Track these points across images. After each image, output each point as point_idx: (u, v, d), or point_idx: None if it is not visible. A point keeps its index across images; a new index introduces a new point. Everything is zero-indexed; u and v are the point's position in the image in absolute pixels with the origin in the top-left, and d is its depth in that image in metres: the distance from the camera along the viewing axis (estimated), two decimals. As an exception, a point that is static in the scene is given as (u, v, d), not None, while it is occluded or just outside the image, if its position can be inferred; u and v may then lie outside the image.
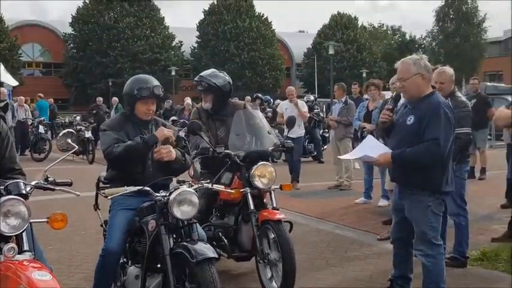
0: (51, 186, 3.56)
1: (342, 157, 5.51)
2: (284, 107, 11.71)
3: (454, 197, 5.69)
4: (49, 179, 3.58)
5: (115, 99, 24.08)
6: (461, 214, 5.77)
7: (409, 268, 4.72)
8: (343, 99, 11.06)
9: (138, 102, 4.36)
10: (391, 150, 4.32)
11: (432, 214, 4.33)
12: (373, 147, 4.46)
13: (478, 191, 9.74)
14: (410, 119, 4.33)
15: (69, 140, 4.35)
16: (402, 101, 4.81)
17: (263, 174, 5.18)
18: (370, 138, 4.59)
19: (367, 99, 9.76)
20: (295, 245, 5.01)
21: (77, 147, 4.48)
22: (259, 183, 5.14)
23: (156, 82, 4.42)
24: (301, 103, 11.85)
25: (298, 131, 11.00)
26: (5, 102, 3.50)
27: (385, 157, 4.33)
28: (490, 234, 7.02)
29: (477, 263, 5.88)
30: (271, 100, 20.77)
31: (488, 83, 25.71)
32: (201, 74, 5.80)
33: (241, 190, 5.12)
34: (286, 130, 9.91)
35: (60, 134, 4.46)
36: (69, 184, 3.68)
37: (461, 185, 5.76)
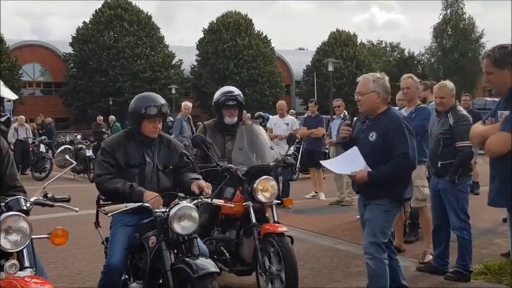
0: (50, 203, 3.56)
1: (322, 162, 5.44)
2: (273, 122, 11.68)
3: (457, 211, 5.68)
4: (48, 195, 3.58)
5: (112, 117, 24.12)
6: (465, 228, 5.73)
7: (401, 277, 4.82)
8: (342, 115, 11.07)
9: (145, 121, 4.35)
10: (369, 168, 4.47)
11: (388, 218, 4.56)
12: (354, 161, 4.56)
13: (480, 205, 9.66)
14: (373, 136, 4.53)
15: (66, 156, 4.35)
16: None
17: (265, 188, 5.18)
18: (354, 151, 4.58)
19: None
20: (298, 260, 4.98)
21: (75, 163, 4.48)
22: (261, 197, 5.14)
23: (162, 100, 4.42)
24: (291, 119, 11.77)
25: (285, 147, 10.56)
26: (7, 116, 3.50)
27: (362, 175, 4.50)
28: (493, 248, 6.98)
29: (481, 277, 5.83)
30: (270, 117, 20.72)
31: (488, 98, 25.74)
32: (226, 90, 5.90)
33: (243, 204, 5.12)
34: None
35: (58, 151, 4.47)
36: (68, 200, 3.69)
37: (464, 199, 5.75)
